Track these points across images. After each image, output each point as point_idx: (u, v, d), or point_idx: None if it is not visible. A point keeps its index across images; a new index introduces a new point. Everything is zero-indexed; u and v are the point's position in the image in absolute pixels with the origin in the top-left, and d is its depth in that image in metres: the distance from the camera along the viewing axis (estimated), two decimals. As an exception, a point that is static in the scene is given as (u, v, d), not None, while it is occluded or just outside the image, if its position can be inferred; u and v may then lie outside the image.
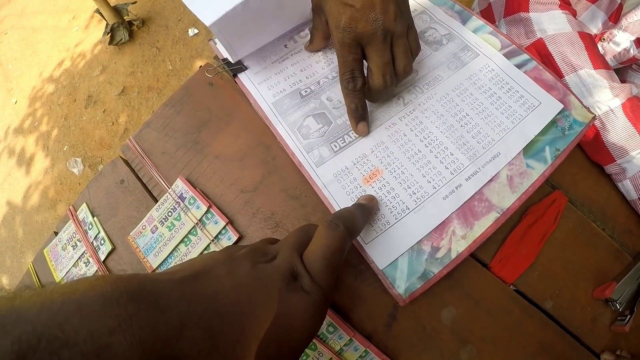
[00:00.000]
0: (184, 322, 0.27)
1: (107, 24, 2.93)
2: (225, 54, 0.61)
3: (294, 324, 0.32)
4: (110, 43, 3.01)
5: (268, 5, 0.52)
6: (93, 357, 0.22)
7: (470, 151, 0.50)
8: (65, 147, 2.90)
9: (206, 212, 0.55)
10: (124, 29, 2.98)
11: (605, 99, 0.62)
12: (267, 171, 0.56)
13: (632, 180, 0.61)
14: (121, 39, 3.00)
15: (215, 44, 0.64)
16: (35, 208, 2.79)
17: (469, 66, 0.57)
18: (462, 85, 0.55)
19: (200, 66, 0.67)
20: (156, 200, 0.59)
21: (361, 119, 0.52)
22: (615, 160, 0.62)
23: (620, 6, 0.81)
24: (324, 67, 0.59)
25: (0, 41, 4.32)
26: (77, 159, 2.77)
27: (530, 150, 0.51)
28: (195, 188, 0.57)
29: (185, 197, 0.56)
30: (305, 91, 0.56)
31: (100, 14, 2.88)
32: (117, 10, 2.92)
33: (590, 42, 0.66)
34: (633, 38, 0.86)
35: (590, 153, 0.64)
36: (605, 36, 0.89)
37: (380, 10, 0.44)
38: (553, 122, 0.53)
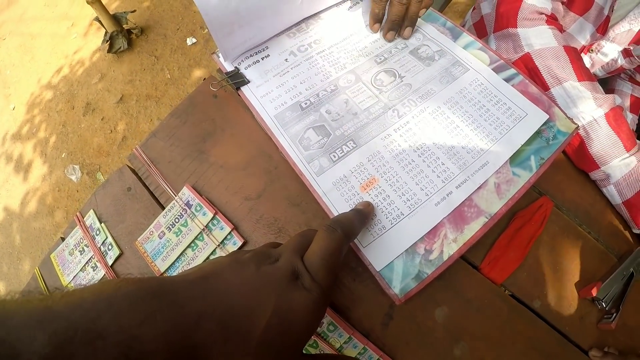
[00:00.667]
0: (201, 316, 0.31)
1: (106, 32, 2.95)
2: (225, 66, 0.65)
3: (296, 318, 0.35)
4: (109, 51, 3.02)
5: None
6: (124, 347, 0.26)
7: (461, 160, 0.54)
8: (64, 154, 2.92)
9: (212, 219, 0.58)
10: (122, 38, 2.99)
11: (589, 109, 0.65)
12: (269, 180, 0.59)
13: (615, 186, 0.64)
14: (120, 47, 3.02)
15: (219, 57, 0.67)
16: (33, 215, 2.79)
17: (459, 80, 0.60)
18: (453, 99, 0.59)
19: (204, 79, 0.69)
20: (163, 207, 0.62)
21: (378, 21, 0.67)
22: (599, 167, 0.65)
23: (608, 18, 0.83)
24: (322, 79, 0.62)
25: None
26: (76, 166, 2.79)
27: (516, 159, 0.54)
28: (201, 195, 0.60)
29: (192, 204, 0.59)
30: (305, 103, 0.60)
31: (100, 22, 2.89)
32: (116, 19, 2.93)
33: (575, 55, 0.69)
34: (620, 49, 0.89)
35: (575, 160, 0.67)
36: (593, 47, 0.92)
37: None
38: (538, 133, 0.56)
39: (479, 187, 0.52)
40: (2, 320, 0.24)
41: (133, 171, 0.67)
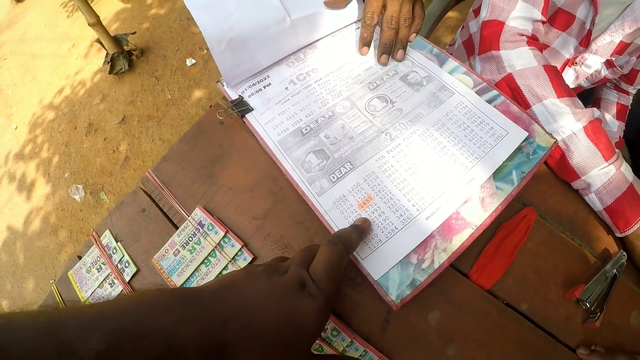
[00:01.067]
0: (226, 318, 0.38)
1: (107, 54, 3.02)
2: (230, 94, 0.72)
3: (304, 321, 0.42)
4: (110, 72, 3.08)
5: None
6: (166, 342, 0.33)
7: (448, 178, 0.60)
8: (67, 173, 2.97)
9: (223, 237, 0.64)
10: (123, 59, 3.05)
11: (568, 123, 0.70)
12: (275, 200, 0.66)
13: (596, 194, 0.70)
14: (121, 69, 3.08)
15: (223, 85, 0.73)
16: (37, 233, 2.84)
17: (446, 104, 0.67)
18: (440, 121, 0.65)
19: (210, 105, 0.75)
20: (176, 227, 0.68)
21: (366, 44, 0.76)
22: (580, 177, 0.70)
23: (590, 32, 0.89)
24: (320, 106, 0.69)
25: (0, 66, 4.41)
26: (79, 185, 2.84)
27: (499, 174, 0.61)
28: (212, 216, 0.66)
29: (204, 224, 0.65)
30: (306, 129, 0.66)
31: (101, 43, 2.96)
32: (117, 40, 3.00)
33: (554, 73, 0.75)
34: (603, 60, 0.95)
35: (557, 172, 0.73)
36: (577, 60, 0.97)
37: None
38: (519, 149, 0.62)
39: (465, 201, 0.59)
40: (61, 323, 0.31)
41: (146, 193, 0.73)
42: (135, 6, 4.07)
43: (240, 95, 0.71)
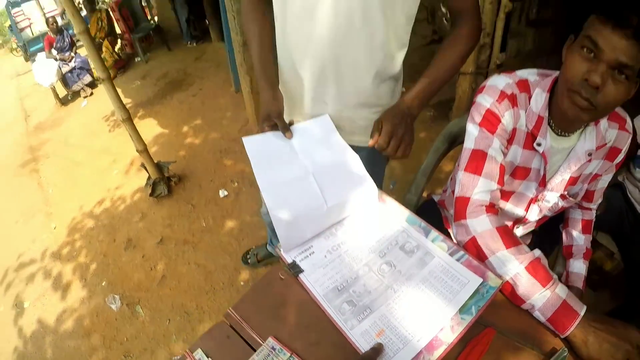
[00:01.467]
0: None
1: (149, 177, 3.46)
2: (286, 257, 1.14)
3: None
4: (151, 195, 3.51)
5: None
6: None
7: (429, 315, 0.99)
8: (104, 282, 3.25)
9: (289, 357, 1.00)
10: (164, 184, 3.50)
11: (514, 266, 1.03)
12: (322, 334, 1.03)
13: (539, 311, 0.98)
14: (161, 193, 3.52)
15: (280, 250, 1.16)
16: (68, 333, 3.08)
17: (429, 265, 1.08)
18: (425, 277, 1.06)
19: (271, 264, 1.14)
20: (254, 349, 1.02)
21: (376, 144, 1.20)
22: (525, 301, 1.00)
23: (544, 175, 1.25)
24: (349, 271, 1.10)
25: (42, 164, 4.88)
26: (116, 296, 3.11)
27: (462, 309, 0.98)
28: (281, 342, 1.02)
29: (276, 348, 1.02)
30: (340, 287, 1.07)
31: (145, 168, 3.41)
32: (159, 167, 3.45)
33: (504, 231, 1.10)
34: (558, 194, 1.32)
35: (510, 298, 1.05)
36: (539, 197, 1.34)
37: (403, 125, 1.22)
38: (477, 290, 1.01)
39: (441, 329, 0.96)
40: None
41: (230, 326, 1.10)
42: (172, 132, 4.61)
43: (293, 259, 1.14)
